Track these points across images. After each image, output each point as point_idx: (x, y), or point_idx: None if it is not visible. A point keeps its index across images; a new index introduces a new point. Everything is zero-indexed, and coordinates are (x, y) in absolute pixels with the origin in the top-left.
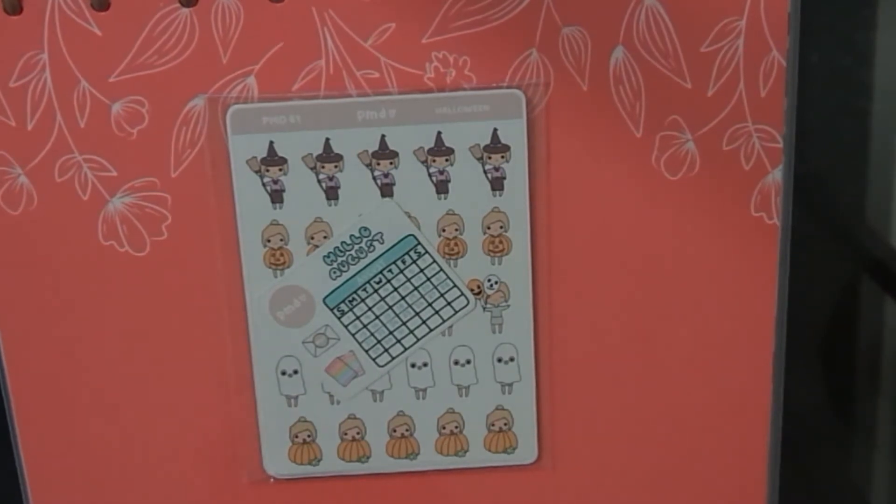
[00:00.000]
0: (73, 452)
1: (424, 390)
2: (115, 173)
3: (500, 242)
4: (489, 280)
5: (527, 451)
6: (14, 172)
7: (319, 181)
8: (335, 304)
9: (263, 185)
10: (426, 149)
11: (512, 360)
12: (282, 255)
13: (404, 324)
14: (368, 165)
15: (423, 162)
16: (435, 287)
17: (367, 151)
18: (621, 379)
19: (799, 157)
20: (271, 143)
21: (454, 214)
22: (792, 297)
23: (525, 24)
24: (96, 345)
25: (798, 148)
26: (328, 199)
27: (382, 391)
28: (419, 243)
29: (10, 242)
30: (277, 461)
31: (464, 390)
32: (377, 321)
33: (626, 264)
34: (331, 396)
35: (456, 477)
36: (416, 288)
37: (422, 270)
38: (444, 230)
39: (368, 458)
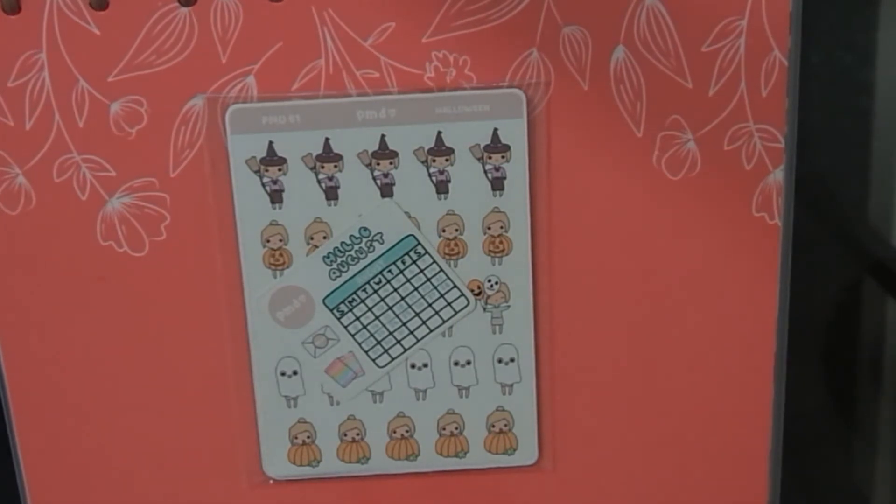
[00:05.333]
0: (72, 453)
1: (424, 391)
2: (113, 173)
3: (501, 243)
4: (489, 280)
5: (527, 453)
6: (12, 172)
7: (319, 181)
8: (335, 305)
9: (263, 185)
10: (426, 149)
11: (512, 360)
12: (281, 255)
13: (404, 324)
14: (368, 165)
15: (423, 162)
16: (435, 287)
17: (366, 151)
18: (622, 380)
19: (800, 157)
20: (271, 142)
21: (454, 214)
22: (793, 297)
23: (525, 23)
24: (95, 345)
25: (799, 148)
26: (328, 199)
27: (382, 392)
28: (419, 243)
29: (9, 243)
30: (276, 462)
31: (464, 391)
32: (377, 322)
33: (626, 264)
34: (330, 397)
35: (456, 478)
36: (416, 288)
37: (422, 271)
38: (444, 230)
39: (368, 459)
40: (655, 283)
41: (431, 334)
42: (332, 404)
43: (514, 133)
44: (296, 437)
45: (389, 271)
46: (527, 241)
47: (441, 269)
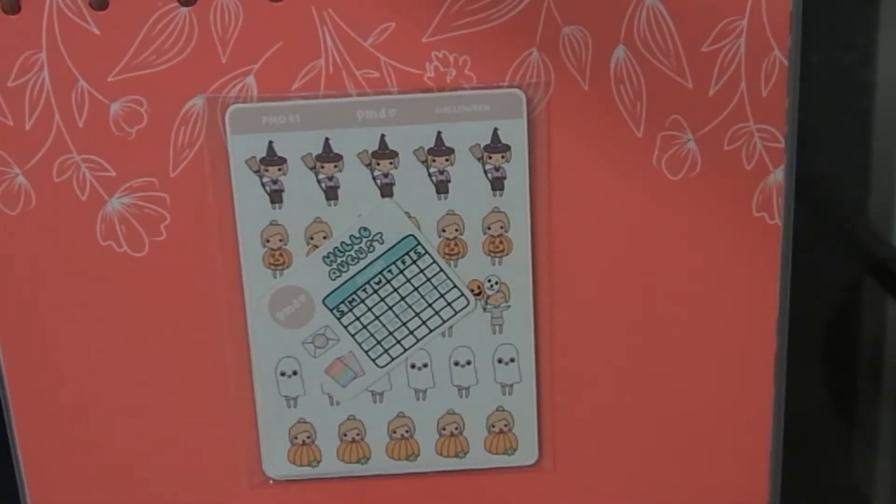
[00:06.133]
0: (71, 453)
1: (424, 391)
2: (113, 173)
3: (501, 243)
4: (489, 280)
5: (527, 453)
6: (12, 172)
7: (319, 181)
8: (335, 305)
9: (263, 185)
10: (426, 149)
11: (512, 360)
12: (281, 255)
13: (404, 324)
14: (368, 165)
15: (423, 162)
16: (435, 287)
17: (366, 151)
18: (622, 380)
19: (800, 157)
20: (270, 142)
21: (454, 214)
22: (794, 297)
23: (525, 23)
24: (94, 346)
25: (800, 148)
26: (328, 199)
27: (382, 392)
28: (419, 243)
29: (8, 243)
30: (276, 463)
31: (464, 391)
32: (377, 322)
33: (626, 264)
34: (330, 397)
35: (456, 478)
36: (416, 288)
37: (422, 271)
38: (444, 230)
39: (368, 459)
40: (655, 283)
41: (431, 334)
42: (332, 404)
43: (514, 133)
44: (296, 437)
45: (389, 271)
46: (527, 241)
47: (441, 269)
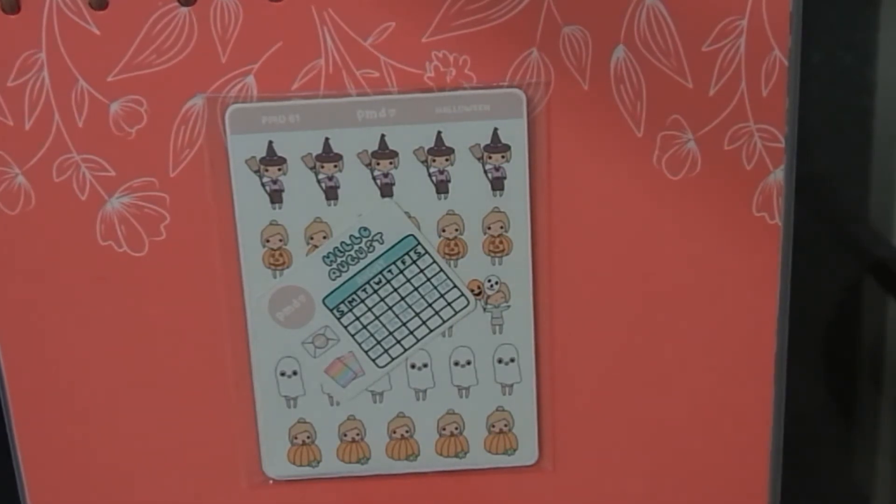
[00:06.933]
0: (71, 453)
1: (424, 391)
2: (113, 173)
3: (501, 242)
4: (489, 280)
5: (527, 453)
6: (12, 172)
7: (319, 181)
8: (335, 305)
9: (262, 184)
10: (426, 149)
11: (512, 360)
12: (281, 255)
13: (404, 324)
14: (368, 165)
15: (423, 162)
16: (435, 287)
17: (366, 151)
18: (622, 380)
19: (801, 157)
20: (270, 142)
21: (454, 214)
22: (794, 297)
23: (525, 23)
24: (94, 346)
25: (800, 148)
26: (328, 199)
27: (382, 392)
28: (419, 243)
29: (8, 243)
30: (276, 463)
31: (464, 391)
32: (377, 322)
33: (626, 264)
34: (330, 397)
35: (456, 478)
36: (415, 288)
37: (422, 271)
38: (444, 230)
39: (368, 459)
40: (655, 283)
41: (431, 334)
42: (332, 404)
43: (514, 133)
44: (296, 438)
45: (389, 271)
46: (527, 241)
47: (441, 269)
